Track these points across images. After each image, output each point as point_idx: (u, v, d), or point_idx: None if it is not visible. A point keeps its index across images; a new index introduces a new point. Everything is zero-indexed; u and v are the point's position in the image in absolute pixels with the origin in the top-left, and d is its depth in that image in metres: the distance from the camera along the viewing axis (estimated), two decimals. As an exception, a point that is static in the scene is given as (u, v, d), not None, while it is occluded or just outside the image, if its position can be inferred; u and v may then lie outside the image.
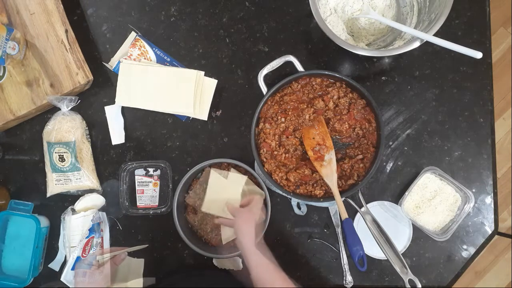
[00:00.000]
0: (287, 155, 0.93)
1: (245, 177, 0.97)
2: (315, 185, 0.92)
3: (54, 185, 0.98)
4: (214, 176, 0.96)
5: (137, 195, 1.01)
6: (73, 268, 0.93)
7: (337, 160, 0.91)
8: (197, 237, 0.99)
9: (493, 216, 0.98)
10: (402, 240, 0.97)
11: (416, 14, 0.98)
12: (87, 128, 1.02)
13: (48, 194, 0.99)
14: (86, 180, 0.98)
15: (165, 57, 1.03)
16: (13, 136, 1.04)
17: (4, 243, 0.98)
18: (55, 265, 1.00)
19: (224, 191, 0.96)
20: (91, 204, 0.99)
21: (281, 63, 0.94)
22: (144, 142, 1.03)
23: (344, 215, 0.86)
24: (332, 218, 0.99)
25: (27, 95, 0.98)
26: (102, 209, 1.01)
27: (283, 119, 0.94)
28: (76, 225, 0.96)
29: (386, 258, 0.87)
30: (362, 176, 0.91)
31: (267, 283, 0.77)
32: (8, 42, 0.94)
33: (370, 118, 0.93)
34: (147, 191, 1.01)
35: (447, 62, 1.01)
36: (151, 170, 1.02)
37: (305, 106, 0.95)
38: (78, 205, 0.98)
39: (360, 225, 0.95)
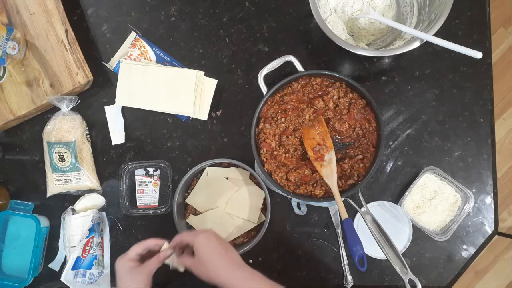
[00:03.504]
0: (287, 155, 0.93)
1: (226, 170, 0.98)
2: (315, 185, 0.92)
3: (54, 185, 0.98)
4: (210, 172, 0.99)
5: (137, 195, 1.01)
6: (73, 268, 0.93)
7: (337, 160, 0.91)
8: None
9: (493, 216, 0.98)
10: (402, 240, 0.97)
11: (416, 14, 0.98)
12: (87, 128, 1.02)
13: (48, 194, 0.99)
14: (86, 180, 0.98)
15: (165, 57, 1.03)
16: (13, 136, 1.04)
17: (4, 243, 0.98)
18: (55, 265, 1.00)
19: (209, 187, 0.98)
20: (91, 204, 0.99)
21: (281, 63, 0.94)
22: (144, 142, 1.03)
23: (344, 215, 0.86)
24: (332, 218, 0.99)
25: (27, 95, 0.98)
26: (102, 209, 1.01)
27: (283, 119, 0.94)
28: (76, 225, 0.96)
29: (386, 258, 0.87)
30: (362, 176, 0.91)
31: None
32: (8, 42, 0.94)
33: (370, 118, 0.93)
34: (147, 191, 1.01)
35: (447, 62, 1.01)
36: (151, 170, 1.02)
37: (305, 106, 0.95)
38: (78, 205, 0.98)
39: (360, 225, 0.95)
